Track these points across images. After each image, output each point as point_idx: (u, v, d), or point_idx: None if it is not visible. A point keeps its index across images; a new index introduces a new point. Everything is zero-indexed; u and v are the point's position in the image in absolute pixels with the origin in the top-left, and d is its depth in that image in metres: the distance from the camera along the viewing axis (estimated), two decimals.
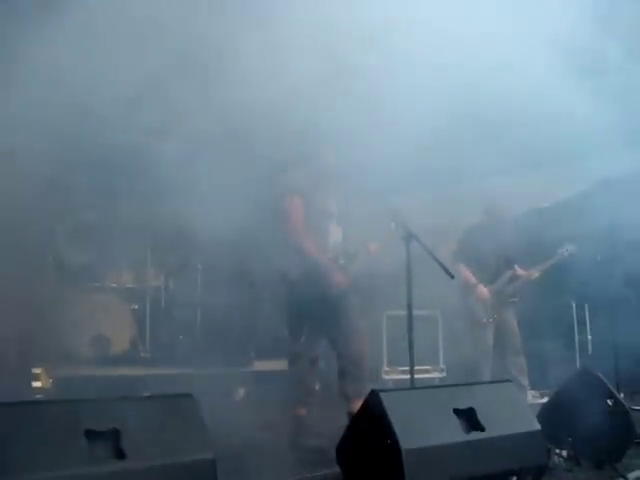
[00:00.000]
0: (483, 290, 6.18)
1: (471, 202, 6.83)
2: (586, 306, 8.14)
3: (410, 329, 4.03)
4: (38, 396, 5.83)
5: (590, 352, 8.04)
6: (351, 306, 4.61)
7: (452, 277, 4.12)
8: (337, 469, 3.01)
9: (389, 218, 4.52)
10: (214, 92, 4.50)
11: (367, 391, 4.45)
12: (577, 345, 8.18)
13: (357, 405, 4.47)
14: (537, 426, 3.17)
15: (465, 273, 6.24)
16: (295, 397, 4.49)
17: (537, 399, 6.06)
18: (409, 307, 3.97)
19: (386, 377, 8.63)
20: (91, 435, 2.22)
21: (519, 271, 6.34)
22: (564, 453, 3.43)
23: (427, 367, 8.70)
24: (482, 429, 2.88)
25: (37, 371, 6.00)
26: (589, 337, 8.15)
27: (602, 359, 7.20)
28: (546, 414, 3.70)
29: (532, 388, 6.34)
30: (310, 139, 4.72)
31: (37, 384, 5.96)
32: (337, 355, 4.58)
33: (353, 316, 4.60)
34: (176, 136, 5.11)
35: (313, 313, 4.37)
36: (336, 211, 4.65)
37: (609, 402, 3.60)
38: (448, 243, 8.76)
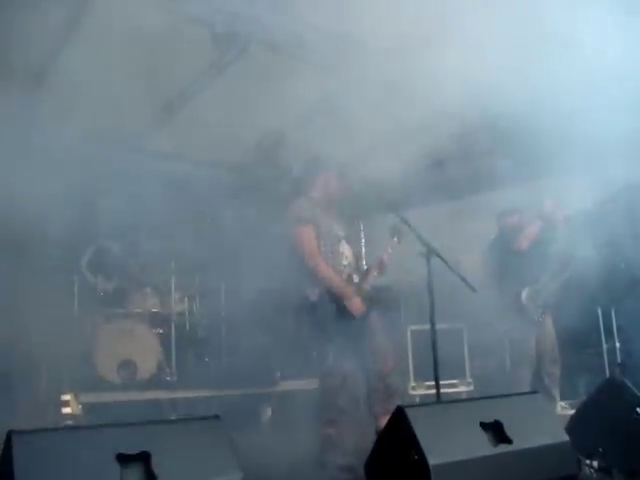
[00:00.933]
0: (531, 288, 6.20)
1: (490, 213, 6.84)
2: (612, 313, 8.06)
3: (434, 343, 4.04)
4: (68, 422, 5.89)
5: (619, 360, 7.96)
6: (375, 323, 4.66)
7: (474, 290, 4.12)
8: None
9: (392, 233, 4.73)
10: None
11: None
12: (605, 353, 8.09)
13: (385, 422, 4.52)
14: (566, 437, 3.15)
15: None
16: (326, 416, 4.49)
17: (566, 410, 6.00)
18: (432, 321, 3.98)
19: (413, 392, 8.60)
20: (122, 459, 2.25)
21: None
22: (595, 464, 3.40)
23: (454, 381, 8.66)
24: (509, 442, 2.88)
25: (66, 397, 6.06)
26: (617, 345, 8.06)
27: (631, 367, 7.14)
28: (575, 425, 3.67)
29: (561, 399, 6.28)
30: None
31: (67, 410, 6.02)
32: (365, 373, 4.59)
33: (378, 333, 4.65)
34: None
35: (338, 333, 4.39)
36: (343, 232, 4.78)
37: (638, 410, 3.56)
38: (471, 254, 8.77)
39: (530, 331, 6.19)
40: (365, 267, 4.82)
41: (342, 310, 4.44)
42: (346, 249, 4.74)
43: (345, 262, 4.68)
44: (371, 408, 4.63)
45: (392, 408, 4.49)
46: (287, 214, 4.65)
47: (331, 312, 4.40)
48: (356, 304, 4.49)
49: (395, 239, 4.78)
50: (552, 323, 6.38)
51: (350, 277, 4.64)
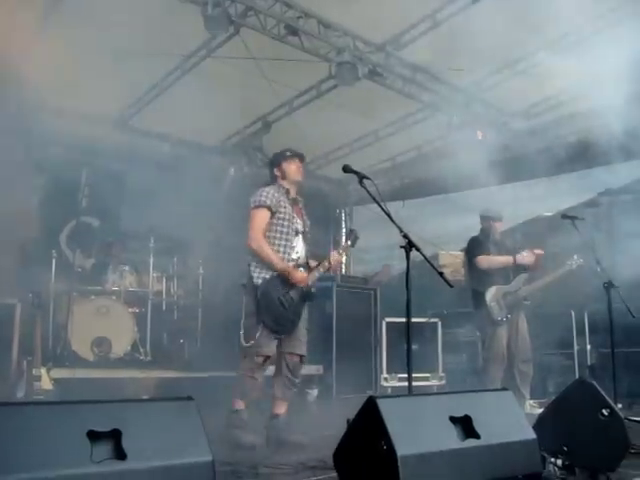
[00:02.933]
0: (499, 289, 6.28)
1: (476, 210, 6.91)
2: (585, 316, 8.17)
3: (408, 337, 4.06)
4: (40, 397, 5.86)
5: (589, 362, 8.07)
6: (302, 314, 4.82)
7: (451, 286, 4.15)
8: (334, 474, 3.05)
9: (347, 236, 5.01)
10: None
11: (291, 396, 4.76)
12: (576, 355, 8.20)
13: (281, 409, 4.71)
14: (532, 435, 3.19)
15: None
16: (239, 391, 4.64)
17: (535, 409, 6.08)
18: (408, 315, 4.00)
19: (385, 384, 8.67)
20: (93, 436, 2.26)
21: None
22: (559, 462, 3.45)
23: (426, 374, 8.75)
24: (477, 437, 2.91)
25: (38, 372, 6.03)
26: (588, 347, 8.18)
27: (601, 369, 7.25)
28: (542, 423, 3.73)
29: (530, 397, 6.36)
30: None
31: (39, 385, 5.99)
32: (277, 356, 4.76)
33: (302, 324, 4.81)
34: None
35: (268, 312, 4.59)
36: (302, 228, 4.90)
37: (605, 412, 3.62)
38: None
39: (499, 330, 6.26)
40: (313, 264, 4.90)
41: (283, 296, 4.61)
42: (300, 245, 4.87)
43: (295, 256, 4.80)
44: (274, 389, 4.80)
45: (289, 396, 4.73)
46: (251, 196, 4.79)
47: (269, 297, 4.59)
48: (298, 276, 4.67)
49: (349, 242, 4.98)
50: (526, 323, 6.44)
51: (296, 267, 4.78)
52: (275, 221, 4.74)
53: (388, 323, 8.87)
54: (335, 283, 8.83)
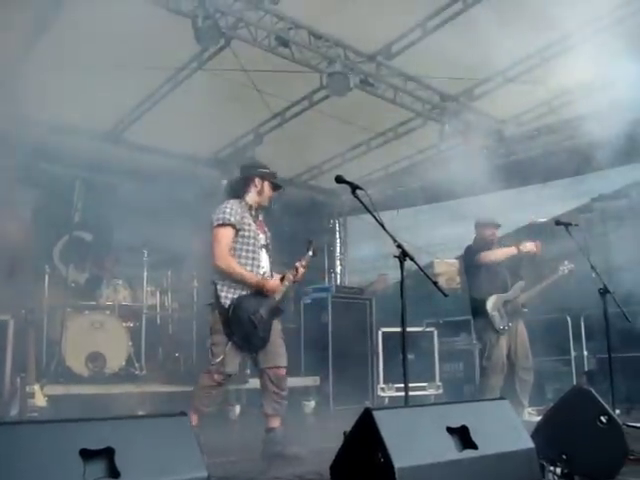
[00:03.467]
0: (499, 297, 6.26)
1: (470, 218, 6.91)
2: (582, 322, 8.17)
3: (404, 347, 4.04)
4: (34, 414, 5.81)
5: (586, 368, 8.06)
6: (276, 327, 4.79)
7: (446, 295, 4.13)
8: None
9: (307, 247, 4.95)
10: None
11: (283, 410, 4.70)
12: (573, 361, 8.19)
13: (275, 423, 4.65)
14: (531, 444, 3.17)
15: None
16: (194, 405, 4.59)
17: (533, 417, 6.06)
18: (403, 324, 3.99)
19: (382, 394, 8.64)
20: (86, 454, 2.23)
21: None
22: (558, 471, 3.43)
23: (423, 384, 8.72)
24: (475, 447, 2.89)
25: (32, 389, 5.98)
26: (585, 353, 8.17)
27: (598, 374, 7.24)
28: (540, 432, 3.70)
29: (529, 405, 6.34)
30: None
31: (32, 402, 5.94)
32: (259, 373, 4.74)
33: (277, 337, 4.78)
34: None
35: (239, 332, 4.55)
36: (265, 242, 4.88)
37: (603, 419, 3.60)
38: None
39: (500, 340, 6.23)
40: (278, 277, 4.87)
41: (253, 315, 4.57)
42: (265, 259, 4.85)
43: (262, 271, 4.77)
44: (262, 408, 4.77)
45: (281, 410, 4.68)
46: (214, 213, 4.73)
47: (239, 316, 4.54)
48: (271, 286, 4.66)
49: (310, 253, 4.95)
50: (525, 331, 6.42)
51: None
52: (240, 239, 4.69)
53: (384, 333, 8.85)
54: (330, 294, 8.83)
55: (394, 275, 9.92)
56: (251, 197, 4.87)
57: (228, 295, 4.60)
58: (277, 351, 4.74)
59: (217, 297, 4.63)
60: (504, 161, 9.38)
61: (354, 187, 4.41)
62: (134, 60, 6.37)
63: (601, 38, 6.42)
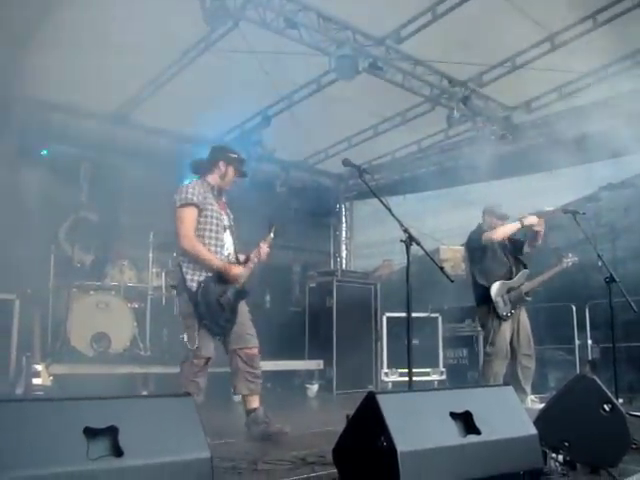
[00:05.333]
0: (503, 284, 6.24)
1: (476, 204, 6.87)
2: (587, 310, 8.15)
3: (409, 332, 4.05)
4: (39, 393, 5.85)
5: (590, 357, 8.06)
6: (243, 308, 4.77)
7: (452, 281, 4.13)
8: (334, 470, 3.04)
9: (269, 228, 4.87)
10: None
11: (259, 388, 4.68)
12: (577, 350, 8.19)
13: (255, 403, 4.64)
14: (533, 431, 3.17)
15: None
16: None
17: (536, 404, 6.06)
18: (408, 310, 3.99)
19: (385, 379, 8.66)
20: (89, 433, 2.24)
21: None
22: (560, 458, 3.43)
23: (427, 370, 8.73)
24: (478, 432, 2.89)
25: (38, 368, 6.02)
26: (589, 342, 8.16)
27: (602, 364, 7.24)
28: (543, 419, 3.70)
29: (531, 392, 6.34)
30: None
31: (37, 381, 5.98)
32: (230, 356, 4.71)
33: (244, 318, 4.75)
34: None
35: (208, 315, 4.51)
36: (228, 222, 4.84)
37: (606, 407, 3.60)
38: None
39: (503, 326, 6.22)
40: (242, 258, 4.84)
41: (220, 297, 4.54)
42: (229, 240, 4.81)
43: (226, 252, 4.73)
44: (235, 389, 4.77)
45: (257, 389, 4.65)
46: (176, 193, 4.66)
47: (205, 299, 4.49)
48: (235, 271, 4.61)
49: (271, 234, 4.88)
50: (527, 318, 6.41)
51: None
52: (202, 219, 4.63)
53: (388, 318, 8.86)
54: (335, 278, 8.82)
55: (399, 260, 9.93)
56: (213, 178, 4.81)
57: (194, 277, 4.54)
58: (247, 332, 4.72)
59: (183, 280, 4.57)
60: (512, 148, 9.35)
61: (361, 171, 4.40)
62: (141, 41, 6.35)
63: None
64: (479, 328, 7.87)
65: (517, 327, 6.31)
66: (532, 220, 6.19)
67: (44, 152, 7.86)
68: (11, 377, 6.25)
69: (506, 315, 6.19)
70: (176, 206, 4.60)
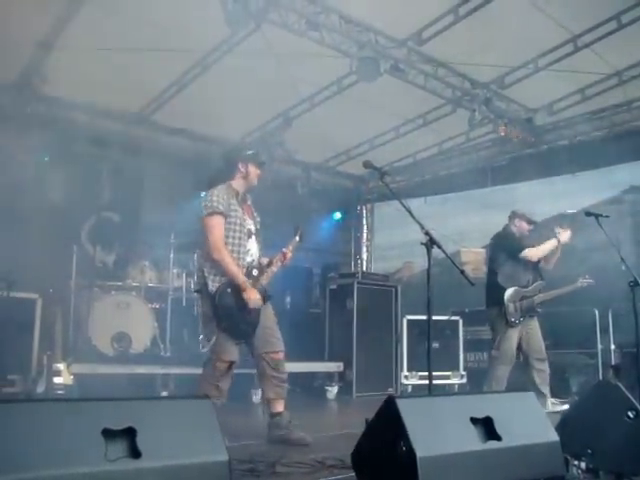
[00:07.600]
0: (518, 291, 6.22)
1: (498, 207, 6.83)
2: (609, 315, 8.05)
3: (429, 335, 4.02)
4: (60, 392, 5.90)
5: (613, 362, 7.96)
6: (269, 312, 4.76)
7: (472, 284, 4.09)
8: (352, 474, 3.02)
9: (294, 232, 4.88)
10: None
11: (285, 392, 4.68)
12: (600, 354, 8.09)
13: (279, 407, 4.63)
14: (555, 437, 3.13)
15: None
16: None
17: (557, 406, 6.02)
18: (429, 312, 3.96)
19: (405, 382, 8.62)
20: (108, 434, 2.24)
21: None
22: (582, 465, 3.38)
23: (447, 373, 8.68)
24: (499, 438, 2.86)
25: (59, 367, 6.07)
26: (612, 346, 8.06)
27: (625, 369, 7.14)
28: (565, 425, 3.65)
29: (553, 397, 6.29)
30: None
31: (59, 379, 6.02)
32: (256, 360, 4.70)
33: (270, 322, 4.74)
34: None
35: (229, 319, 4.52)
36: (254, 228, 4.82)
37: (630, 414, 3.54)
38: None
39: (510, 331, 6.20)
40: (266, 262, 4.83)
41: (240, 301, 4.51)
42: (254, 246, 4.79)
43: (249, 259, 4.72)
44: (263, 394, 4.80)
45: (283, 393, 4.65)
46: (202, 201, 4.67)
47: (226, 303, 4.49)
48: (253, 297, 4.55)
49: (297, 238, 4.88)
50: (538, 326, 6.39)
51: (250, 271, 4.69)
52: (227, 226, 4.62)
53: (409, 321, 8.81)
54: (356, 280, 8.80)
55: (420, 263, 9.88)
56: (237, 183, 4.80)
57: (215, 280, 4.54)
58: (273, 335, 4.70)
59: (204, 284, 4.58)
60: (534, 151, 9.27)
61: (382, 173, 4.38)
62: (164, 43, 6.38)
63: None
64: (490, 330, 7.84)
65: (527, 334, 6.29)
66: (566, 237, 6.21)
67: (46, 159, 7.88)
68: (33, 375, 6.30)
69: (514, 321, 6.18)
70: (203, 215, 4.61)
